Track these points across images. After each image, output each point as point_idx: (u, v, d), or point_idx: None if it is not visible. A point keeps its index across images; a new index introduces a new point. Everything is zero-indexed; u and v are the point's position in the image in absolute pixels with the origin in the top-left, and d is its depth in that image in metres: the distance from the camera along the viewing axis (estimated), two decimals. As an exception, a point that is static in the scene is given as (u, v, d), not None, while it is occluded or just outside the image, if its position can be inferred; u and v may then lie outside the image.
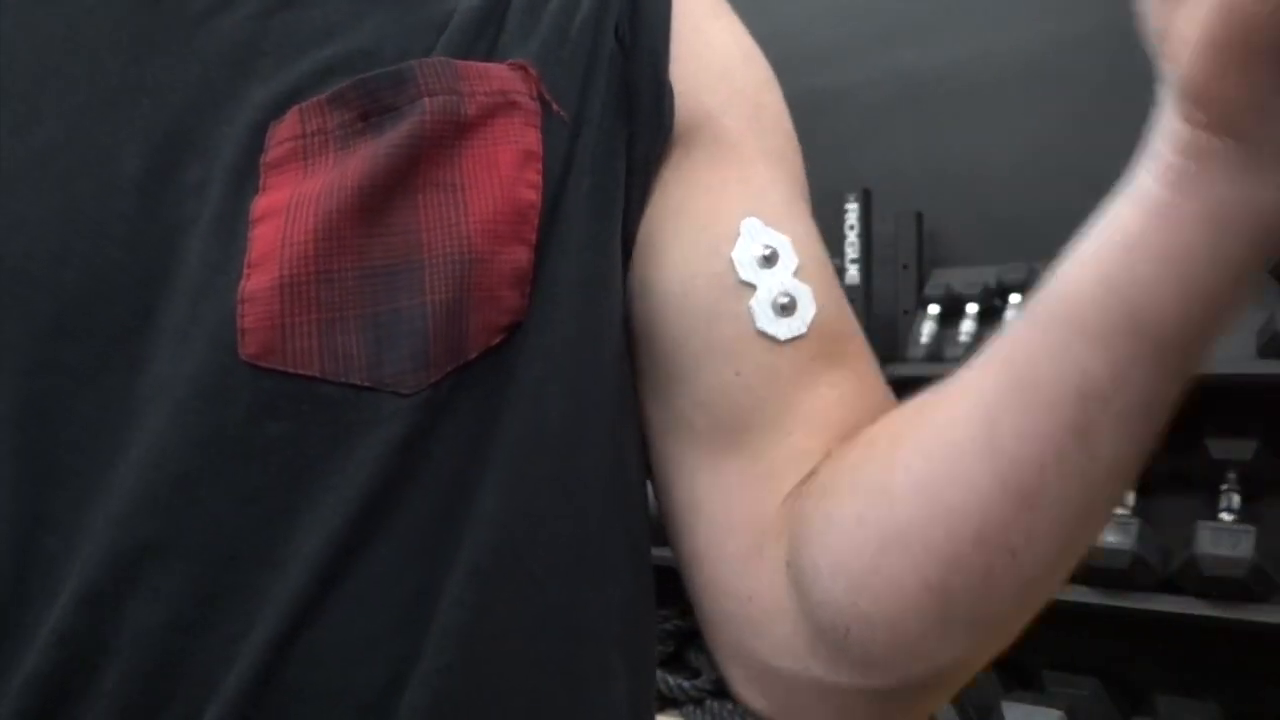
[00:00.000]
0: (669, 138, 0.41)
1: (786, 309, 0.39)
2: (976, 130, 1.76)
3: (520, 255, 0.36)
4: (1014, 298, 1.58)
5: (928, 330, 1.63)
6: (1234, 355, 1.39)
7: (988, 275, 1.63)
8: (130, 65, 0.37)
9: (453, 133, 0.36)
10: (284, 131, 0.36)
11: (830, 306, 0.40)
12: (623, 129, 0.41)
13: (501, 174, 0.37)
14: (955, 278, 1.68)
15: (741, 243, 0.39)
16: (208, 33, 0.38)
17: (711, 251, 0.40)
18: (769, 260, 0.39)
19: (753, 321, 0.39)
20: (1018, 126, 1.73)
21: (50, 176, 0.36)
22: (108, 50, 0.37)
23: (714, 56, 0.43)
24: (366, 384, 0.34)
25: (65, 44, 0.38)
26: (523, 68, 0.39)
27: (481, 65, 0.38)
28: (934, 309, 1.65)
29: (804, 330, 0.39)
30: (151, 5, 0.38)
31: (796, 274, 0.40)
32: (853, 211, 1.64)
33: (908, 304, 1.72)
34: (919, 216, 1.73)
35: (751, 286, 0.39)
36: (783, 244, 0.40)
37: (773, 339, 0.39)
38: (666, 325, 0.41)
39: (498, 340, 0.36)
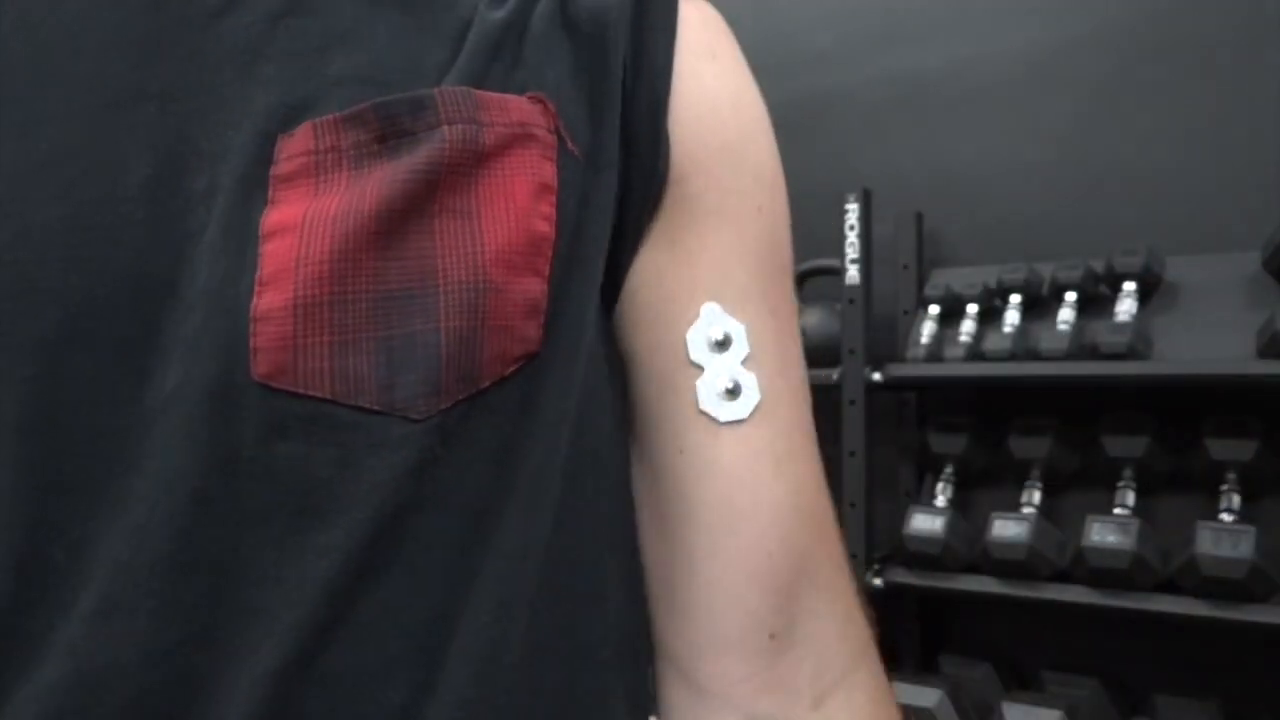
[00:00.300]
0: (662, 189, 0.42)
1: (731, 393, 0.40)
2: (977, 131, 1.76)
3: (534, 287, 0.36)
4: (1014, 298, 1.58)
5: (928, 331, 1.63)
6: (1234, 355, 1.39)
7: (988, 276, 1.63)
8: (135, 70, 0.37)
9: (470, 162, 0.36)
10: (296, 145, 0.35)
11: (775, 394, 0.41)
12: (622, 172, 0.41)
13: (517, 205, 0.37)
14: (955, 278, 1.68)
15: (698, 325, 0.41)
16: (213, 37, 0.37)
17: (671, 325, 0.41)
18: (722, 345, 0.41)
19: (696, 401, 0.40)
20: (1018, 127, 1.73)
21: (55, 183, 0.35)
22: (112, 55, 0.37)
23: (705, 106, 0.43)
24: (377, 407, 0.34)
25: (69, 49, 0.37)
26: (541, 101, 0.39)
27: (501, 96, 0.38)
28: (934, 309, 1.65)
29: (744, 415, 0.40)
30: (155, 9, 0.38)
31: (745, 362, 0.41)
32: (853, 212, 1.64)
33: (908, 304, 1.73)
34: (919, 217, 1.73)
35: (700, 368, 0.40)
36: (737, 331, 0.41)
37: (712, 419, 0.40)
38: (635, 385, 0.42)
39: (511, 371, 0.36)
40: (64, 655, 0.32)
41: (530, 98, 0.38)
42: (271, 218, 0.34)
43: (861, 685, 0.41)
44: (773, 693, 0.40)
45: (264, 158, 0.35)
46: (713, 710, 0.40)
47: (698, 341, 0.41)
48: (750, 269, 0.42)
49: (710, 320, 0.41)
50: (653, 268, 0.42)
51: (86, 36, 0.37)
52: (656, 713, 0.43)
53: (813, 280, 1.82)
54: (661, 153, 0.41)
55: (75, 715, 0.31)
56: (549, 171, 0.38)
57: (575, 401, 0.38)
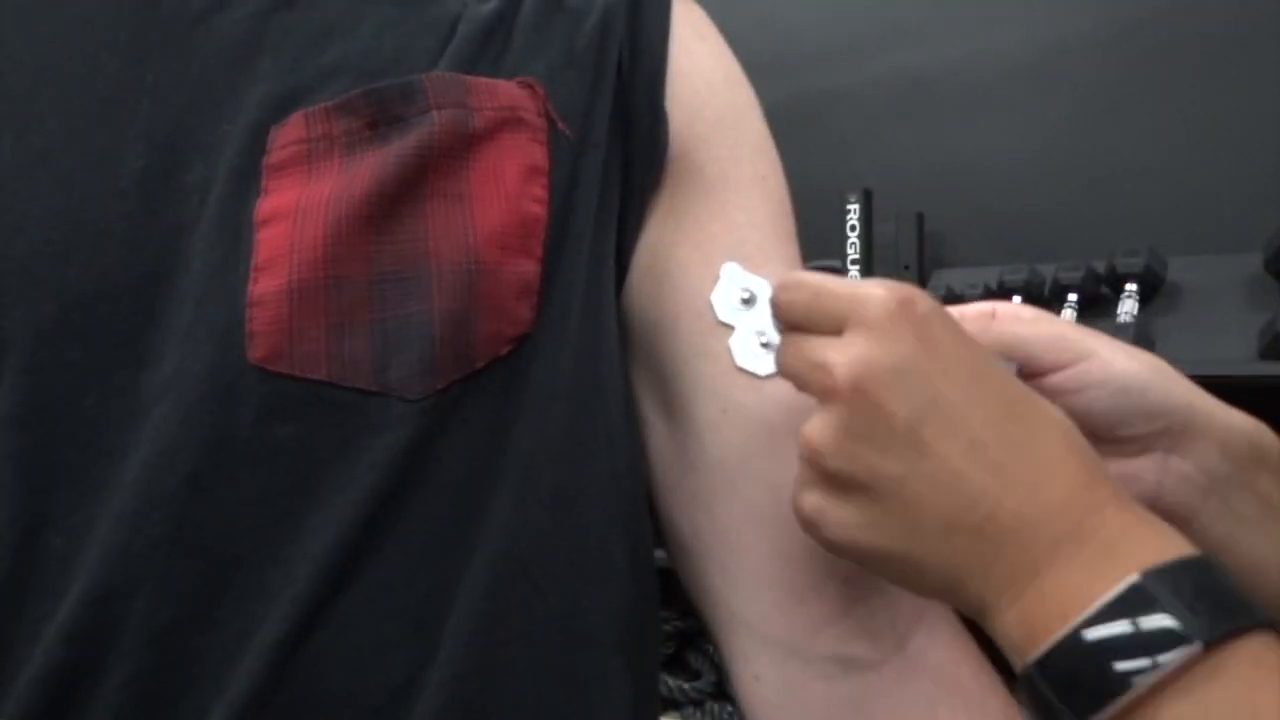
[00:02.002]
0: (663, 164, 0.42)
1: (766, 346, 0.40)
2: (978, 131, 1.76)
3: (527, 268, 0.37)
4: (1015, 299, 1.58)
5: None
6: (1234, 356, 1.39)
7: (989, 276, 1.63)
8: (129, 65, 0.37)
9: (461, 145, 0.37)
10: (288, 135, 0.36)
11: None
12: (620, 152, 0.41)
13: (507, 188, 0.37)
14: (956, 278, 1.68)
15: (721, 285, 0.41)
16: (206, 32, 0.38)
17: (694, 293, 0.41)
18: (748, 303, 0.41)
19: (732, 359, 0.40)
20: (1019, 127, 1.72)
21: (52, 177, 0.36)
22: (107, 50, 0.37)
23: (700, 81, 0.44)
24: (373, 388, 0.34)
25: (64, 45, 0.38)
26: (530, 85, 0.39)
27: (490, 81, 0.39)
28: (935, 310, 1.65)
29: None
30: (150, 5, 0.38)
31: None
32: (854, 212, 1.64)
33: (908, 305, 1.72)
34: (920, 217, 1.73)
35: (730, 327, 0.41)
36: (760, 286, 0.41)
37: (752, 375, 0.40)
38: (662, 355, 0.42)
39: (505, 351, 0.36)
40: (63, 640, 0.32)
41: (519, 82, 0.39)
42: (265, 206, 0.35)
43: (941, 621, 0.40)
44: (856, 637, 0.39)
45: (257, 148, 0.36)
46: (806, 663, 0.39)
47: (723, 302, 0.41)
48: (763, 229, 0.43)
49: (732, 279, 0.41)
50: (661, 241, 0.42)
51: (81, 34, 0.38)
52: (733, 692, 0.42)
53: (813, 281, 1.82)
54: (661, 129, 0.42)
55: (75, 699, 0.32)
56: (539, 154, 0.38)
57: (569, 381, 0.38)
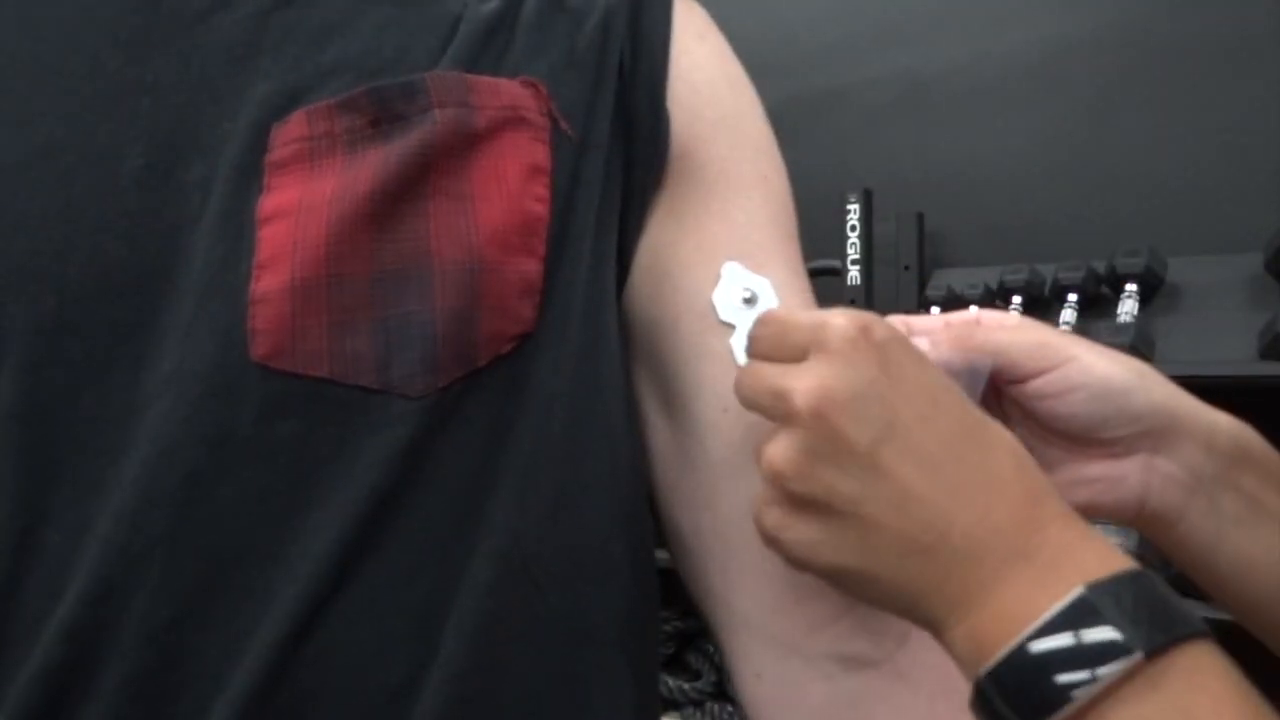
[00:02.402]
0: (664, 164, 0.42)
1: None
2: (978, 131, 1.76)
3: (529, 267, 0.37)
4: (1015, 299, 1.58)
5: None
6: (1234, 357, 1.39)
7: (989, 276, 1.63)
8: (130, 63, 0.37)
9: (463, 144, 0.37)
10: (290, 132, 0.36)
11: None
12: (622, 152, 0.41)
13: (509, 187, 0.37)
14: (957, 279, 1.68)
15: (722, 285, 0.41)
16: (207, 30, 0.38)
17: (695, 293, 0.41)
18: (749, 302, 0.41)
19: (733, 358, 0.40)
20: (1019, 127, 1.72)
21: (52, 174, 0.36)
22: (108, 48, 0.37)
23: (701, 81, 0.44)
24: (375, 386, 0.34)
25: (65, 42, 0.38)
26: (533, 85, 0.39)
27: (492, 80, 0.38)
28: (936, 310, 1.65)
29: None
30: (151, 4, 0.38)
31: None
32: (854, 212, 1.64)
33: (909, 305, 1.72)
34: (920, 217, 1.73)
35: (731, 326, 0.41)
36: (763, 286, 0.41)
37: None
38: (663, 355, 0.42)
39: (507, 350, 0.36)
40: (62, 638, 0.32)
41: (522, 81, 0.39)
42: (268, 203, 0.35)
43: None
44: (857, 635, 0.39)
45: (259, 146, 0.36)
46: (806, 661, 0.39)
47: (725, 301, 0.41)
48: (765, 230, 0.43)
49: (733, 278, 0.41)
50: (662, 241, 0.42)
51: (81, 31, 0.38)
52: (734, 690, 0.42)
53: (814, 281, 1.82)
54: (662, 128, 0.42)
55: (75, 696, 0.32)
56: (541, 153, 0.38)
57: (570, 380, 0.38)
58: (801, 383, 0.33)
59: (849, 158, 1.85)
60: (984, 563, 0.31)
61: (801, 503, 0.34)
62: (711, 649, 1.65)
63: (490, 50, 0.40)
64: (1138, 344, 1.41)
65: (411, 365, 0.34)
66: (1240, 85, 1.54)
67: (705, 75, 0.44)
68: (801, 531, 0.34)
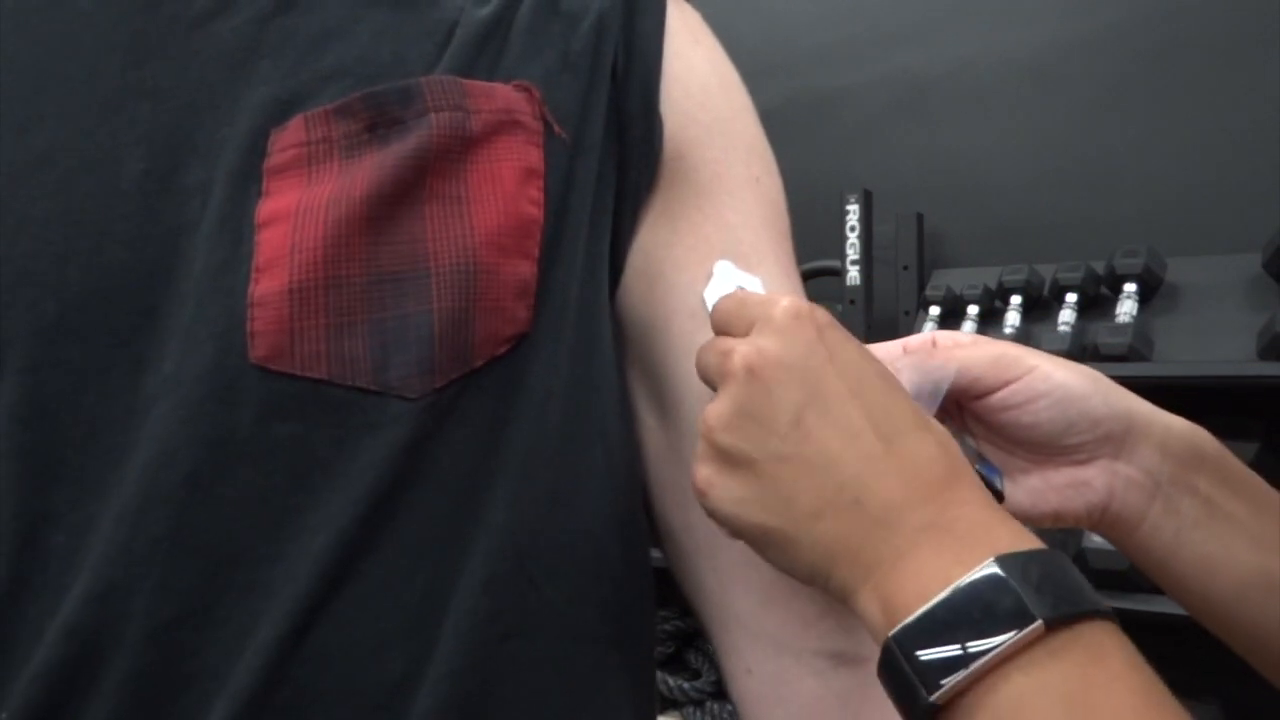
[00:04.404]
0: (657, 167, 0.42)
1: None
2: (977, 131, 1.76)
3: (524, 269, 0.37)
4: (1014, 299, 1.58)
5: (929, 331, 1.62)
6: (1234, 357, 1.39)
7: (989, 276, 1.63)
8: (130, 68, 0.37)
9: (458, 148, 0.37)
10: (288, 138, 0.36)
11: None
12: (615, 154, 0.42)
13: (504, 189, 0.37)
14: (956, 279, 1.68)
15: (714, 283, 0.41)
16: (206, 36, 0.38)
17: (687, 293, 0.42)
18: None
19: None
20: (1019, 128, 1.73)
21: (52, 179, 0.36)
22: (107, 53, 0.38)
23: (694, 84, 0.44)
24: (373, 387, 0.35)
25: (65, 47, 0.38)
26: (527, 89, 0.40)
27: (487, 84, 0.39)
28: (935, 310, 1.65)
29: None
30: (150, 9, 0.38)
31: None
32: (853, 212, 1.64)
33: (908, 305, 1.73)
34: (920, 217, 1.73)
35: None
36: (753, 284, 0.42)
37: None
38: (655, 355, 0.43)
39: (503, 351, 0.37)
40: (64, 637, 0.32)
41: (516, 85, 0.39)
42: (266, 207, 0.35)
43: None
44: (846, 632, 0.40)
45: (257, 151, 0.36)
46: (796, 657, 0.40)
47: (716, 299, 0.41)
48: (757, 230, 0.43)
49: (725, 277, 0.42)
50: (655, 242, 0.43)
51: (81, 37, 0.38)
52: (727, 686, 0.42)
53: (814, 281, 1.82)
54: (655, 132, 0.42)
55: (77, 695, 0.32)
56: (535, 156, 0.39)
57: (565, 380, 0.38)
58: (742, 346, 0.35)
59: (848, 158, 1.85)
60: (899, 531, 0.32)
61: (730, 459, 0.35)
62: (711, 648, 1.65)
63: (486, 54, 0.40)
64: (1137, 344, 1.41)
65: (409, 366, 0.35)
66: (1240, 85, 1.55)
67: (698, 78, 0.44)
68: (729, 488, 0.35)
